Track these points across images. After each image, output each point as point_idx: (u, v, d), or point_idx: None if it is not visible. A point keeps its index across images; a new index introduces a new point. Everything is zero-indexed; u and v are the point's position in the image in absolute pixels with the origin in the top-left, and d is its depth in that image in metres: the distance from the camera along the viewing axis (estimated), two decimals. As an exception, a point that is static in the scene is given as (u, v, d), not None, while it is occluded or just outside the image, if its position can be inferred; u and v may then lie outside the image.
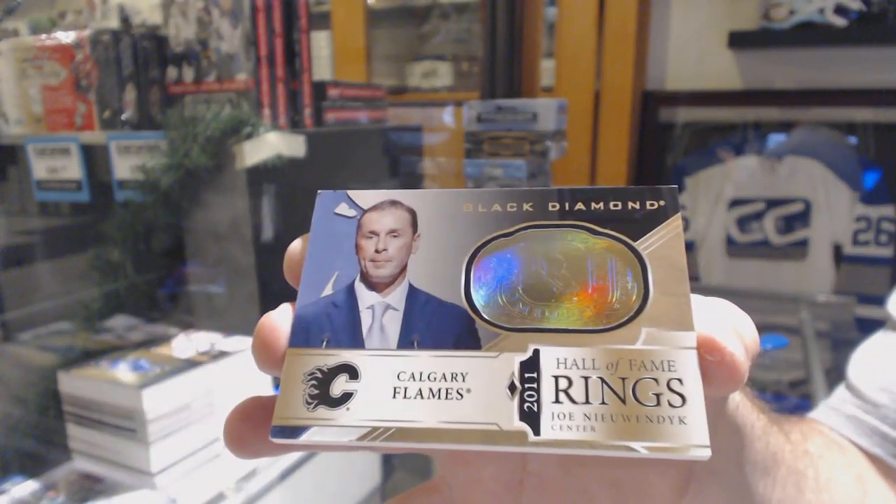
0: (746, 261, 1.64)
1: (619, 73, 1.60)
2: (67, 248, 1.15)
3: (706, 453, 0.17)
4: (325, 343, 0.21)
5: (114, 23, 1.37)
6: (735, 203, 1.63)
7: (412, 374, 0.20)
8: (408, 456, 1.11)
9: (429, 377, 0.20)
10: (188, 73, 1.02)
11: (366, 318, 0.21)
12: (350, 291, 0.22)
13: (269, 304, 0.22)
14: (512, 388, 0.19)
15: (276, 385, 0.21)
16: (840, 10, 1.44)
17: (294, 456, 0.89)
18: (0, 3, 1.29)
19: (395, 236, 0.23)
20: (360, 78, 1.88)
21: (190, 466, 0.81)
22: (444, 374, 0.20)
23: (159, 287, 1.04)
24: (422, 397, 0.19)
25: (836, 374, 1.24)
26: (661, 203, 0.22)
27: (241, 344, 0.88)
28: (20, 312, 1.12)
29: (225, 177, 0.94)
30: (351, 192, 0.24)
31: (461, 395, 0.19)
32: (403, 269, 0.22)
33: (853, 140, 1.57)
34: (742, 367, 0.19)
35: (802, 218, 1.58)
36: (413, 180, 1.35)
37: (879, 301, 0.54)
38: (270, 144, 0.91)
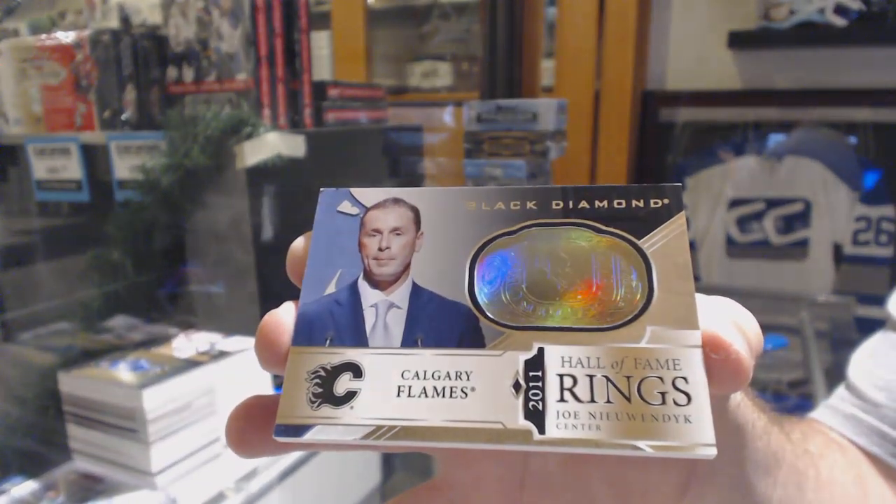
0: (746, 261, 1.64)
1: (619, 73, 1.60)
2: (67, 248, 1.15)
3: (712, 452, 0.17)
4: (328, 341, 0.20)
5: (114, 23, 1.37)
6: (735, 203, 1.63)
7: (416, 372, 0.20)
8: (408, 456, 1.11)
9: (433, 376, 0.19)
10: (188, 73, 1.02)
11: (369, 317, 0.21)
12: (353, 289, 0.22)
13: (269, 303, 0.22)
14: (517, 386, 0.19)
15: (277, 385, 0.21)
16: (840, 10, 1.43)
17: (294, 456, 0.89)
18: (0, 3, 1.29)
19: (398, 234, 0.23)
20: (360, 78, 1.87)
21: (190, 466, 0.80)
22: (448, 373, 0.19)
23: (159, 287, 1.03)
24: (426, 396, 0.19)
25: (836, 374, 1.23)
26: (665, 201, 0.22)
27: (242, 344, 0.88)
28: (20, 312, 1.11)
29: (225, 177, 0.93)
30: (354, 190, 0.24)
31: (465, 394, 0.19)
32: (407, 267, 0.22)
33: (853, 140, 1.57)
34: (747, 365, 0.19)
35: (802, 218, 1.58)
36: (413, 180, 1.35)
37: (879, 301, 0.54)
38: (270, 144, 0.91)
